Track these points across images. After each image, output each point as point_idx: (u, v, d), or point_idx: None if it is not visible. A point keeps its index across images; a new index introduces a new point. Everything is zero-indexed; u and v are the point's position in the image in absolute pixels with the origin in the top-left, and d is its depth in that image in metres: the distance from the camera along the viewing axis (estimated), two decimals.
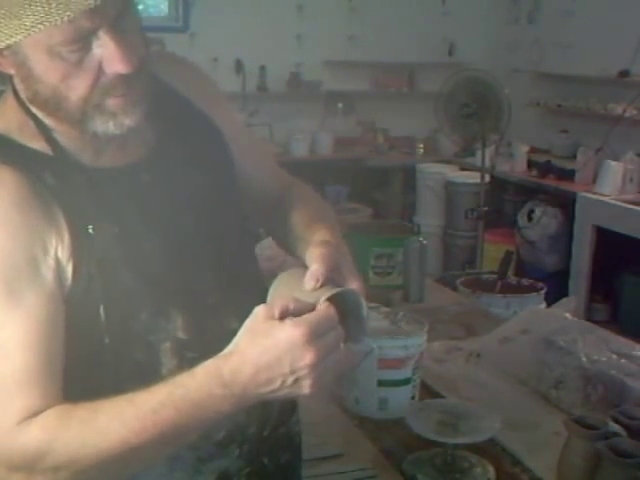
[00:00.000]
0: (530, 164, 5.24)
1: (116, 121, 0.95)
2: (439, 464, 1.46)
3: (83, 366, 0.96)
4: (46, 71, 0.91)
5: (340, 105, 5.88)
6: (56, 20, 0.85)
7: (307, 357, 0.85)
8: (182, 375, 0.89)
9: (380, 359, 1.63)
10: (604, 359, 1.74)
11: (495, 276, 3.23)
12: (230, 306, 1.06)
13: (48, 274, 0.93)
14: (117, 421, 0.88)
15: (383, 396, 1.66)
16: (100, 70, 0.92)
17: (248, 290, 1.10)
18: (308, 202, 1.22)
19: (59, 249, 0.94)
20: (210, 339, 1.00)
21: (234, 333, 0.91)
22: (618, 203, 4.30)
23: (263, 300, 0.95)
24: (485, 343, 2.01)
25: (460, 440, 1.42)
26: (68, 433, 0.88)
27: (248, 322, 0.90)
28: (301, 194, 1.25)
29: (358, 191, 5.51)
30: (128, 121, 0.96)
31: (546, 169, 5.04)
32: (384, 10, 5.78)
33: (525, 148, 5.32)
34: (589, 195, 4.49)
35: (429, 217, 5.40)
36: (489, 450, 1.51)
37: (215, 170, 1.12)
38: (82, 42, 0.90)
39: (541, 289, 3.12)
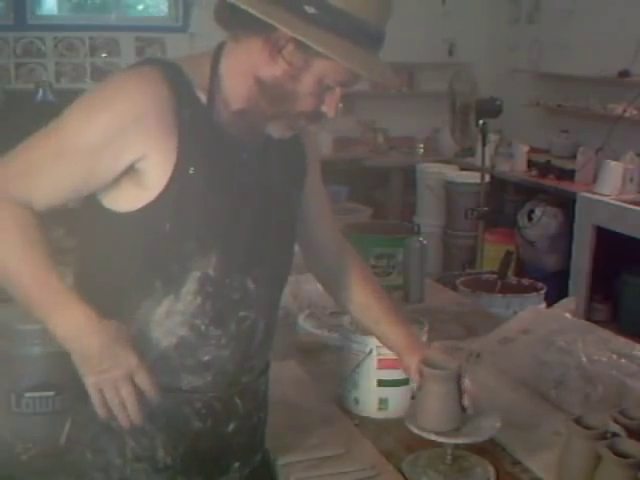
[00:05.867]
0: (530, 164, 5.24)
1: (288, 131, 1.30)
2: (439, 464, 1.46)
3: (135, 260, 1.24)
4: (305, 84, 1.25)
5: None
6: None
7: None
8: (72, 290, 1.19)
9: (380, 359, 1.64)
10: (604, 359, 1.74)
11: (495, 276, 3.23)
12: (254, 271, 1.31)
13: (108, 162, 1.17)
14: (23, 260, 1.17)
15: (383, 396, 1.66)
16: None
17: (274, 267, 1.36)
18: (379, 295, 1.54)
19: (142, 161, 1.17)
20: (227, 284, 1.28)
21: (245, 291, 1.29)
22: (618, 203, 4.29)
23: (280, 284, 1.41)
24: (485, 343, 2.01)
25: (460, 440, 1.41)
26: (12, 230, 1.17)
27: None
28: (363, 274, 1.56)
29: (358, 191, 5.50)
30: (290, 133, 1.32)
31: (546, 169, 5.04)
32: None
33: (525, 148, 5.31)
34: (589, 195, 4.49)
35: (429, 217, 5.40)
36: (489, 450, 1.52)
37: (288, 184, 1.39)
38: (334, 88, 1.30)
39: (541, 289, 3.12)
